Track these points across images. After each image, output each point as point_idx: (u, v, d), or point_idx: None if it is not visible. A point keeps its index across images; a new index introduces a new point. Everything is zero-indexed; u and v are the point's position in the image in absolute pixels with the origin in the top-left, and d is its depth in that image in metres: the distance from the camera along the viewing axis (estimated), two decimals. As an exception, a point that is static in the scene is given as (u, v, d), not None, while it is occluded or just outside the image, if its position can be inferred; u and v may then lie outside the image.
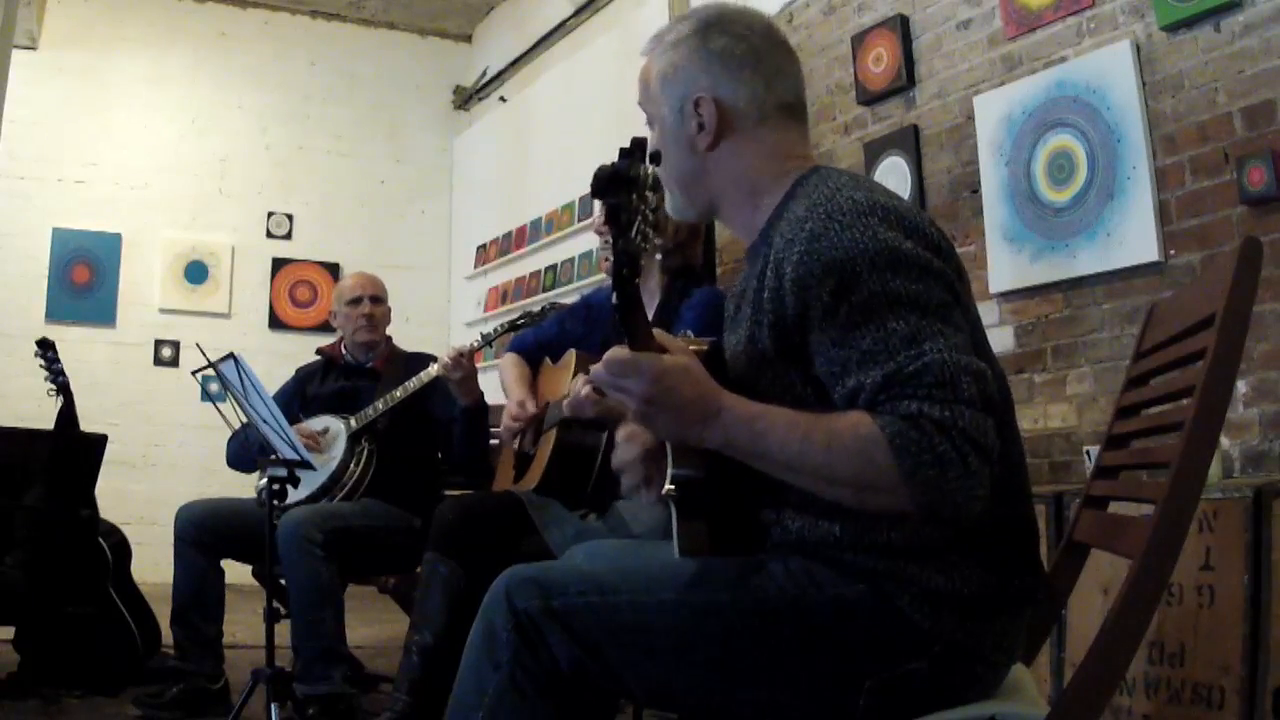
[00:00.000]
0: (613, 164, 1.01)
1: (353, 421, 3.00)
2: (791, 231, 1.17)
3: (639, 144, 1.03)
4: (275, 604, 2.47)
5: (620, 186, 1.01)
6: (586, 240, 5.17)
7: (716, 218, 1.39)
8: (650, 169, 1.03)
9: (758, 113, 1.30)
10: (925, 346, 1.04)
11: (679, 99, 1.31)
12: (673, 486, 1.14)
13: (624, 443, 1.27)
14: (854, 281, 1.08)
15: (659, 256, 2.30)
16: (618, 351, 1.08)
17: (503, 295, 5.97)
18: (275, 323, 6.27)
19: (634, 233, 1.02)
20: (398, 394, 2.96)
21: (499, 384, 2.62)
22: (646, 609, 1.12)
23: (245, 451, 3.00)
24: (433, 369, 2.90)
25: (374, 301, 3.23)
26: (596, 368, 1.09)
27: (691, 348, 1.20)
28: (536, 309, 2.88)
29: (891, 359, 1.04)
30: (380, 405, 2.98)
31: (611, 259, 1.03)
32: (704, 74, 1.29)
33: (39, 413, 3.68)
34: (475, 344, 2.82)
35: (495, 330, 2.90)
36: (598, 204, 2.36)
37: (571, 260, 5.32)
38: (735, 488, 1.18)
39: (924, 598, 1.10)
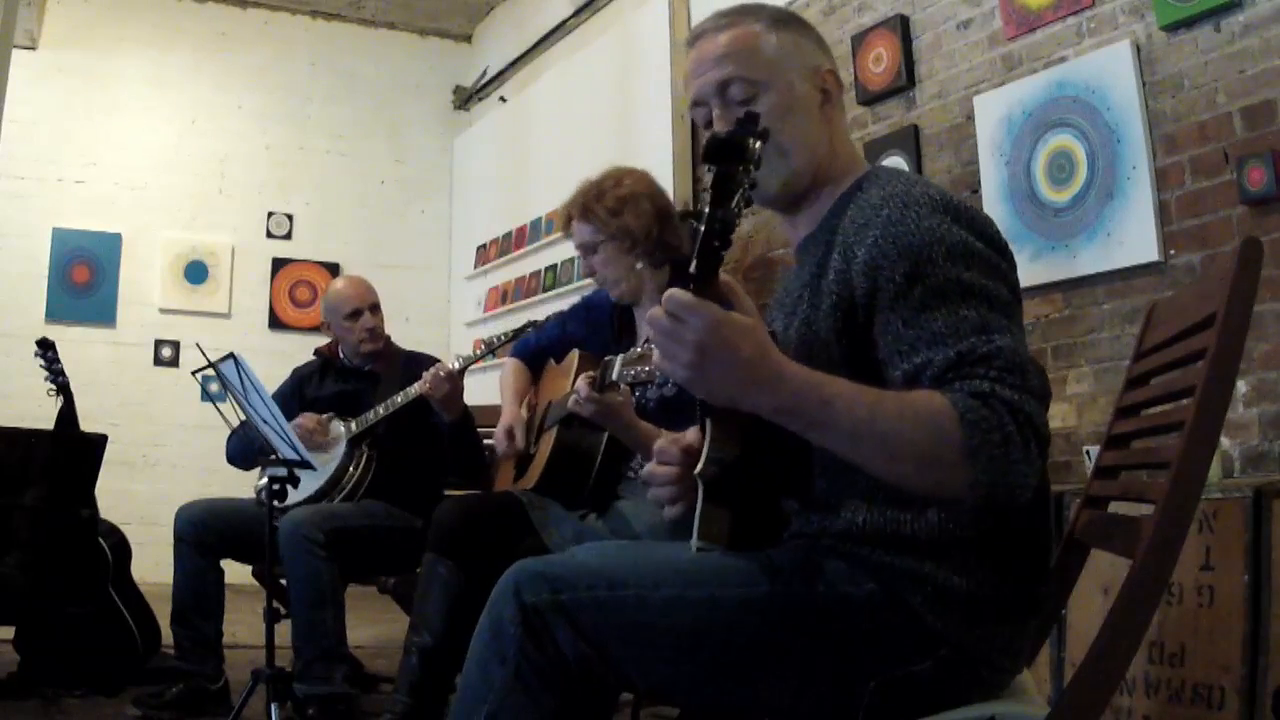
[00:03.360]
0: (728, 131, 1.00)
1: (353, 425, 3.00)
2: (864, 217, 1.17)
3: (753, 117, 1.01)
4: (275, 604, 2.47)
5: (733, 154, 0.98)
6: (586, 240, 5.16)
7: (793, 207, 1.34)
8: (758, 145, 1.00)
9: (843, 101, 1.36)
10: (995, 335, 1.05)
11: (809, 67, 1.31)
12: (709, 467, 1.12)
13: (658, 459, 1.26)
14: (929, 267, 1.09)
15: (639, 265, 2.30)
16: (679, 292, 1.01)
17: (503, 295, 5.97)
18: (275, 323, 6.27)
19: (734, 204, 0.99)
20: (399, 399, 2.95)
21: (499, 387, 2.63)
22: (652, 604, 1.12)
23: (244, 447, 3.01)
24: (415, 388, 2.88)
25: (373, 312, 3.18)
26: (654, 310, 1.01)
27: None
28: (540, 319, 2.87)
29: (964, 340, 1.05)
30: (381, 410, 2.97)
31: (702, 227, 1.00)
32: (819, 51, 1.34)
33: (39, 413, 3.68)
34: (479, 352, 2.82)
35: (498, 339, 2.88)
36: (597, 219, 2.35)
37: (571, 260, 5.31)
38: (766, 476, 1.18)
39: (938, 597, 1.10)
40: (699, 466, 1.13)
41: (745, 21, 1.31)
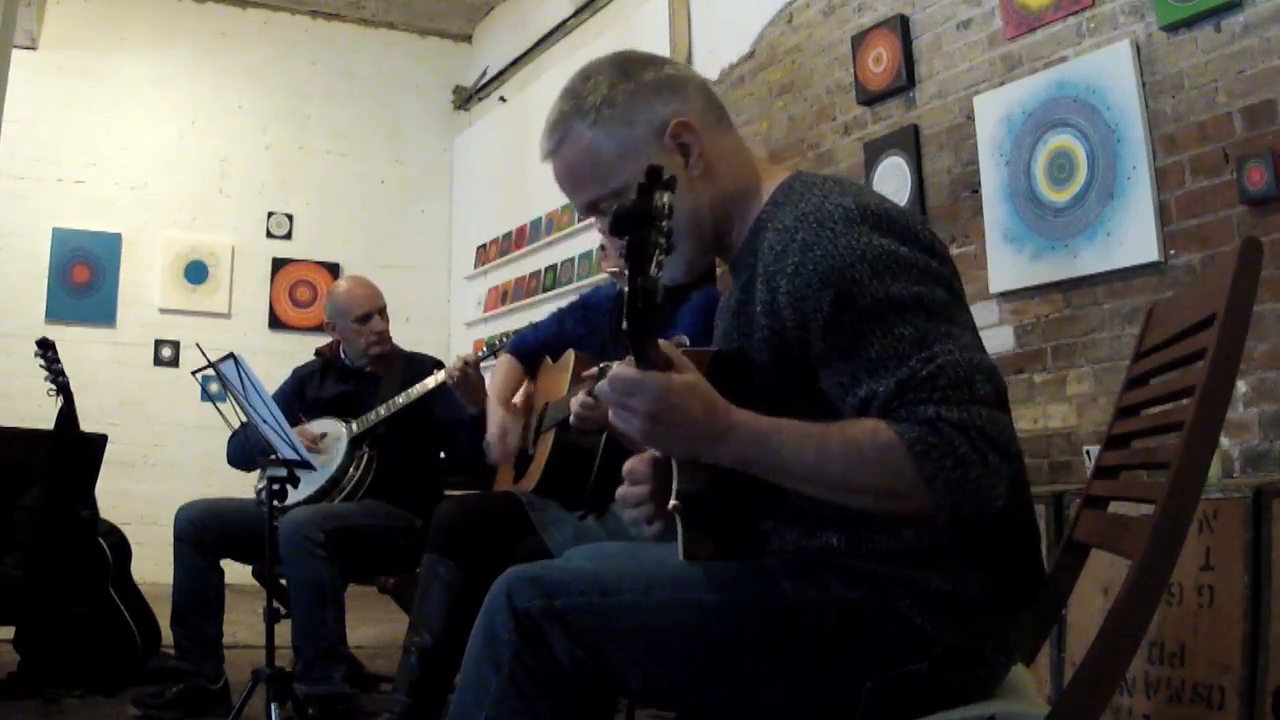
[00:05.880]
0: (632, 200, 0.98)
1: (354, 425, 3.00)
2: (781, 242, 1.14)
3: (656, 172, 0.97)
4: (275, 604, 2.47)
5: (641, 223, 0.98)
6: (586, 240, 5.17)
7: (719, 254, 1.31)
8: (667, 197, 0.98)
9: (716, 116, 1.28)
10: (935, 349, 1.03)
11: (652, 136, 1.23)
12: (678, 502, 1.13)
13: (629, 480, 1.26)
14: (855, 290, 1.06)
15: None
16: (622, 370, 1.04)
17: (503, 295, 5.98)
18: (275, 323, 6.27)
19: (653, 267, 0.99)
20: (400, 400, 2.95)
21: (489, 382, 2.63)
22: (647, 609, 1.12)
23: (245, 449, 3.01)
24: (430, 381, 2.88)
25: (382, 315, 3.17)
26: (602, 385, 1.07)
27: (692, 360, 1.16)
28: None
29: (903, 364, 1.03)
30: (382, 411, 2.97)
31: (627, 290, 1.00)
32: (659, 103, 1.23)
33: (39, 413, 3.68)
34: (480, 354, 2.80)
35: (500, 341, 2.88)
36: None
37: (571, 260, 5.33)
38: (739, 500, 1.18)
39: (925, 600, 1.10)
40: (671, 501, 1.13)
41: (571, 130, 1.24)
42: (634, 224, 0.97)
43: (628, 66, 1.26)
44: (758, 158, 1.33)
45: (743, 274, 1.24)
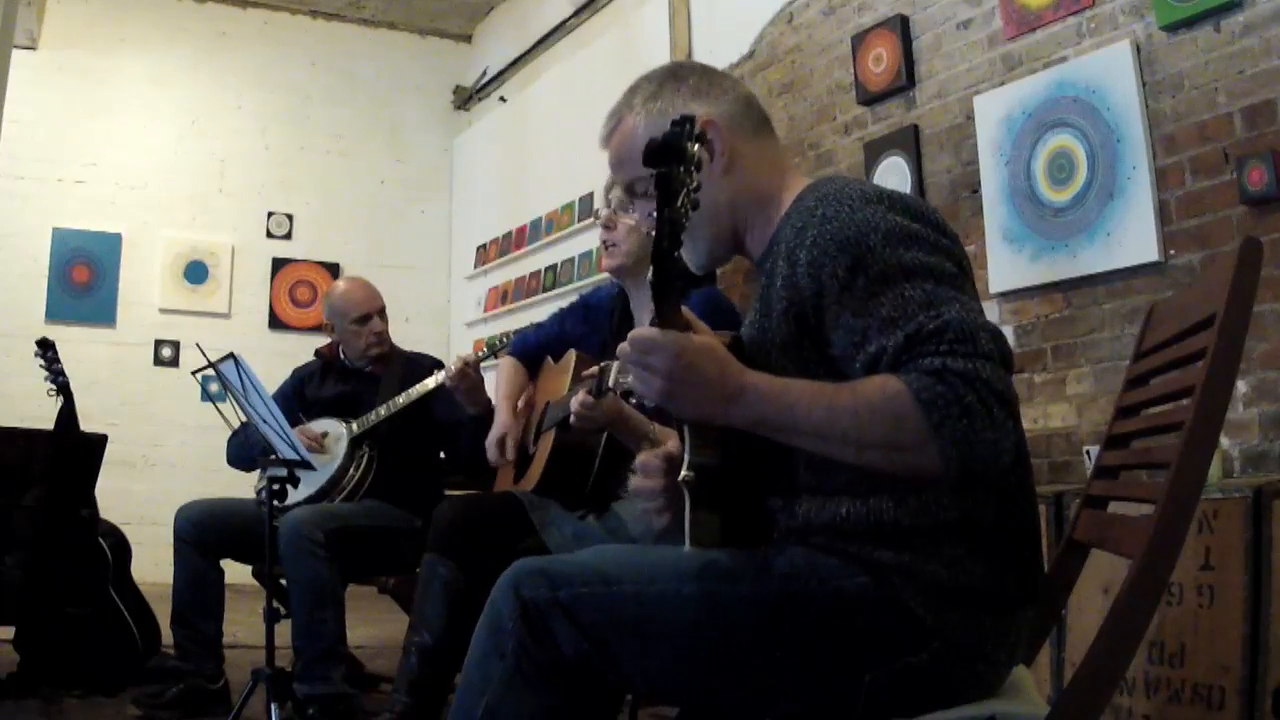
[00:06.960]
0: (665, 133, 1.03)
1: (354, 425, 3.00)
2: (802, 220, 1.20)
3: (688, 119, 1.04)
4: (275, 604, 2.47)
5: (671, 156, 1.02)
6: (586, 240, 5.17)
7: (737, 251, 1.38)
8: (698, 149, 1.03)
9: (751, 126, 1.36)
10: (943, 309, 1.06)
11: None
12: (691, 473, 1.14)
13: (642, 473, 1.28)
14: (868, 255, 1.11)
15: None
16: (642, 329, 1.08)
17: (503, 295, 5.97)
18: (275, 323, 6.27)
19: (679, 203, 1.02)
20: (400, 400, 2.95)
21: (494, 385, 2.62)
22: (650, 600, 1.13)
23: (245, 449, 3.01)
24: (430, 382, 2.89)
25: (381, 316, 3.16)
26: (622, 345, 1.10)
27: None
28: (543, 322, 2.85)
29: (911, 320, 1.06)
30: (383, 411, 2.97)
31: (654, 231, 1.04)
32: (694, 104, 1.34)
33: (39, 413, 3.68)
34: (481, 354, 2.79)
35: (500, 340, 2.88)
36: (600, 202, 2.35)
37: (571, 260, 5.33)
38: (749, 476, 1.19)
39: (927, 590, 1.11)
40: (682, 473, 1.14)
41: (624, 117, 1.39)
42: (664, 156, 1.02)
43: (677, 71, 1.40)
44: (792, 168, 1.39)
45: (766, 263, 1.29)
